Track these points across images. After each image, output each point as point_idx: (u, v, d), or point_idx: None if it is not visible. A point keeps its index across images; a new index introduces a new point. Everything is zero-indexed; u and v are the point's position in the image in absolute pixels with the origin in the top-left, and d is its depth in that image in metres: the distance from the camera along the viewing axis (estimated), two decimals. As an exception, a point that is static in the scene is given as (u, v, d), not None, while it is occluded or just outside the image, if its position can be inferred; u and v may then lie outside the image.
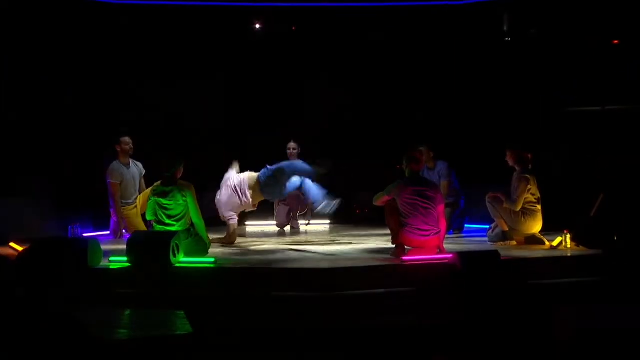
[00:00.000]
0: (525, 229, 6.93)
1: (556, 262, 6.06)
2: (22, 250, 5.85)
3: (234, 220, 7.11)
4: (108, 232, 7.97)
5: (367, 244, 7.25)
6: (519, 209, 6.85)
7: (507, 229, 6.98)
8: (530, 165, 7.00)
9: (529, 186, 6.86)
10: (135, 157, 8.08)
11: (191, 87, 9.63)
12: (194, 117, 9.71)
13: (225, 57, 9.93)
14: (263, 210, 8.42)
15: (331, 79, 9.94)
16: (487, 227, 7.39)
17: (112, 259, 5.82)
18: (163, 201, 6.28)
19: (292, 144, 8.45)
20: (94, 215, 8.30)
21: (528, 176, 6.88)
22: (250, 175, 7.24)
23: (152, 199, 6.35)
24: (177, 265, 5.61)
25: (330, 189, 7.39)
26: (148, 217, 6.51)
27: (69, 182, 8.56)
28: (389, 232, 6.38)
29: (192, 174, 6.72)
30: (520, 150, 7.00)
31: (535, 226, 6.94)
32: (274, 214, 8.81)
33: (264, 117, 10.00)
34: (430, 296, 5.34)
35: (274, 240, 7.78)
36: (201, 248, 6.27)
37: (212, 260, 5.75)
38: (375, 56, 10.04)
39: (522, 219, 6.89)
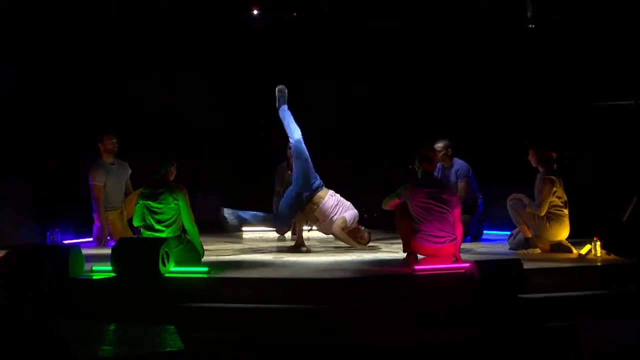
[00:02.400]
0: (551, 236, 6.92)
1: (585, 273, 6.04)
2: (-3, 259, 5.86)
3: None
4: (91, 239, 7.98)
5: (375, 251, 7.25)
6: (543, 213, 6.84)
7: (531, 236, 6.97)
8: (555, 166, 6.99)
9: (555, 188, 6.85)
10: (122, 157, 8.08)
11: (184, 80, 9.64)
12: (187, 113, 9.72)
13: (221, 48, 9.94)
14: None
15: (337, 70, 9.95)
16: (508, 233, 7.39)
17: (95, 268, 5.82)
18: (152, 205, 6.28)
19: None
20: (75, 220, 8.30)
21: (553, 177, 6.87)
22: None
23: (141, 202, 6.35)
24: (167, 275, 5.61)
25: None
26: (135, 223, 6.51)
27: (48, 183, 8.57)
28: (399, 238, 6.38)
29: (184, 175, 6.72)
30: (544, 149, 6.99)
31: (562, 232, 6.93)
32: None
33: (262, 112, 10.00)
34: (445, 310, 5.34)
35: (274, 247, 7.79)
36: (194, 256, 6.27)
37: (206, 269, 5.75)
38: (386, 46, 10.05)
39: (547, 224, 6.88)
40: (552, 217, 6.87)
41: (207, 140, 10.01)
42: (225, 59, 9.98)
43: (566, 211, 6.92)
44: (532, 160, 7.05)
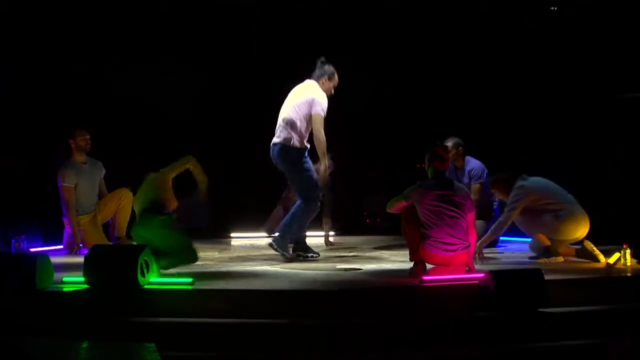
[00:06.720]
0: (567, 234, 6.92)
1: (613, 283, 6.06)
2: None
3: None
4: (61, 247, 7.98)
5: (379, 260, 7.26)
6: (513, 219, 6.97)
7: (549, 243, 6.99)
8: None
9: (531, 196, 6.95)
10: (95, 155, 8.08)
11: (166, 69, 9.64)
12: (170, 107, 9.72)
13: (209, 32, 9.94)
14: (253, 220, 8.47)
15: (339, 61, 9.94)
16: (529, 240, 7.40)
17: (66, 279, 5.81)
18: None
19: None
20: (43, 226, 8.30)
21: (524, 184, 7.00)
22: None
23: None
24: (147, 286, 5.61)
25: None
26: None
27: (13, 184, 8.57)
28: (405, 245, 6.38)
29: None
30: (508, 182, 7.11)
31: (579, 228, 6.92)
32: (264, 222, 8.83)
33: (254, 108, 10.01)
34: (457, 325, 5.34)
35: (266, 255, 7.79)
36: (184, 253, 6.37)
37: (190, 280, 5.75)
38: (392, 34, 10.06)
39: (558, 223, 6.87)
40: (559, 216, 6.87)
41: (193, 137, 10.00)
42: (214, 45, 9.99)
43: (567, 205, 6.92)
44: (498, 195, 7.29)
